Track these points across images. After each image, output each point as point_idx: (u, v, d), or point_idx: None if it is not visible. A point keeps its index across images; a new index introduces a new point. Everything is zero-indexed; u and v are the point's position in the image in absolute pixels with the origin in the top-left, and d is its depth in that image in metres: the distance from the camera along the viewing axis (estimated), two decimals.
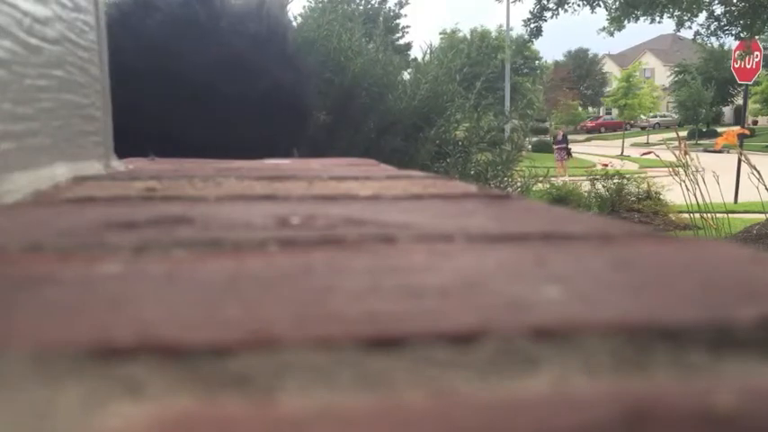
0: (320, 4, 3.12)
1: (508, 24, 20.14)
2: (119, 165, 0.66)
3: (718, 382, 0.16)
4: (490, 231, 0.32)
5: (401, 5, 20.05)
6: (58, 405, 0.14)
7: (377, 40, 2.80)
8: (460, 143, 2.88)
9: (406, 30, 20.69)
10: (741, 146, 5.32)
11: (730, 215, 4.49)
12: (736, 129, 6.08)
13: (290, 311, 0.20)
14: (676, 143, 4.07)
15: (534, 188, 3.36)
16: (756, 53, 8.65)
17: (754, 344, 0.18)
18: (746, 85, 9.36)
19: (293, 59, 1.22)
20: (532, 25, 7.75)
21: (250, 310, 0.20)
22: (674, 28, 7.36)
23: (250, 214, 0.36)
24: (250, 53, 1.11)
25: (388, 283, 0.23)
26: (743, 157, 4.13)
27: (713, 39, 7.62)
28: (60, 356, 0.16)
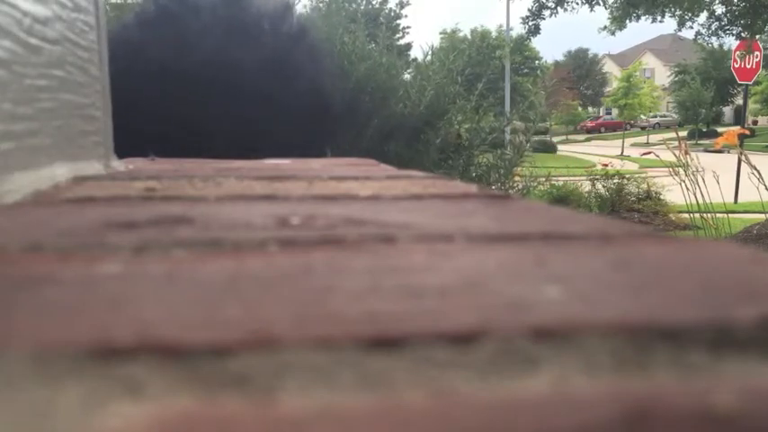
0: (321, 5, 3.11)
1: (508, 24, 20.16)
2: (119, 165, 0.66)
3: (718, 382, 0.16)
4: (490, 231, 0.32)
5: (402, 6, 20.07)
6: (58, 405, 0.14)
7: (380, 42, 2.78)
8: (461, 144, 2.87)
9: (406, 30, 20.71)
10: (741, 146, 5.31)
11: (730, 215, 4.49)
12: (736, 129, 6.08)
13: (290, 311, 0.20)
14: (676, 143, 4.07)
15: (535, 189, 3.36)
16: (756, 53, 8.64)
17: (754, 344, 0.18)
18: (746, 85, 9.35)
19: (322, 62, 1.23)
20: (531, 23, 7.76)
21: (250, 310, 0.20)
22: (676, 27, 7.37)
23: (250, 214, 0.36)
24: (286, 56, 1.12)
25: (388, 283, 0.23)
26: (743, 157, 4.13)
27: (714, 39, 7.62)
28: (60, 356, 0.16)
